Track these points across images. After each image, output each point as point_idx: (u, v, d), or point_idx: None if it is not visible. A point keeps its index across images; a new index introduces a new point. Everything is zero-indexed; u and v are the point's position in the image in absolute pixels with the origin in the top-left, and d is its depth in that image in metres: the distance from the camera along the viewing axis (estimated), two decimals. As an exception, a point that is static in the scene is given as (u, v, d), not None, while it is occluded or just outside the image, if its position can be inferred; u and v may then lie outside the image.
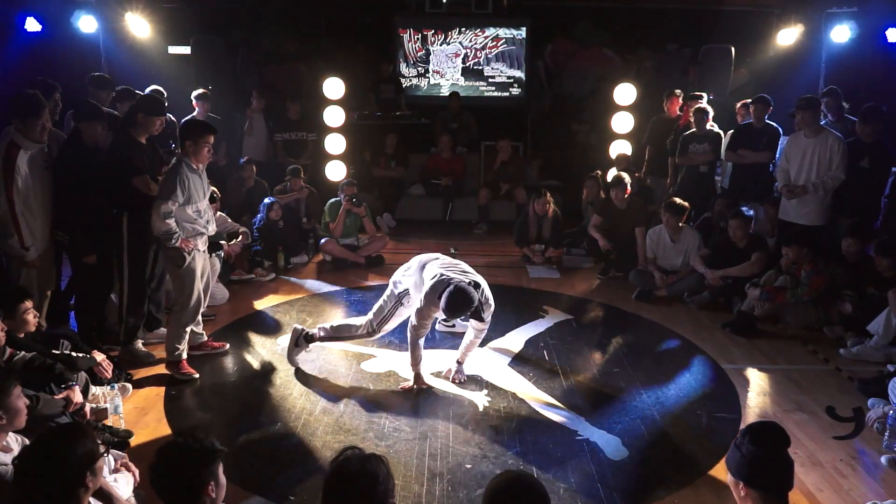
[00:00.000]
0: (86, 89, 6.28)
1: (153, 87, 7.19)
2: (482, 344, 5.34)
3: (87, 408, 3.80)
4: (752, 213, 6.55)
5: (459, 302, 4.27)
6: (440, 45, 10.49)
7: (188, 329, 4.78)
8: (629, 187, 7.16)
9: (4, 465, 2.68)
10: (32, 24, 8.22)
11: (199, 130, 4.67)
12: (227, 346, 5.19)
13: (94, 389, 4.09)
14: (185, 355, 4.75)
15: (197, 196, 4.63)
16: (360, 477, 2.06)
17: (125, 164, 4.77)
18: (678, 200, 6.64)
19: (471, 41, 10.45)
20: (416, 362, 4.58)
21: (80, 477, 2.34)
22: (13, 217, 4.51)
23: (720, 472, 3.69)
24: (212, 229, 4.85)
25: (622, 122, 8.92)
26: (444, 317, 4.68)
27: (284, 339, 5.40)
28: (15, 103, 4.61)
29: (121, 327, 4.99)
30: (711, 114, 7.42)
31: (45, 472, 2.29)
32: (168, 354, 4.73)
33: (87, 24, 8.36)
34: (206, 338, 5.13)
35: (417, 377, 4.61)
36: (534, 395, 4.55)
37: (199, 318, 5.04)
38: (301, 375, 4.80)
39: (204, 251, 4.82)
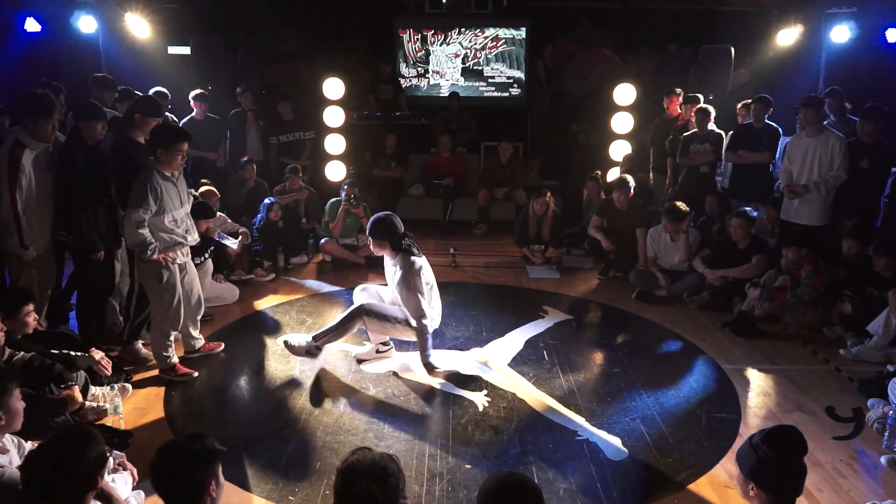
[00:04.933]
0: (86, 89, 6.28)
1: (157, 88, 7.19)
2: (483, 344, 5.36)
3: (87, 407, 3.80)
4: (755, 213, 6.54)
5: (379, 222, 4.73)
6: (440, 46, 10.49)
7: (172, 336, 4.73)
8: (632, 190, 7.16)
9: (1, 468, 2.68)
10: (32, 25, 8.23)
11: (172, 138, 4.51)
12: (222, 345, 5.18)
13: (93, 389, 4.09)
14: (176, 359, 4.72)
15: (172, 205, 4.50)
16: (373, 468, 2.10)
17: (128, 165, 4.76)
18: (679, 206, 6.61)
19: (471, 41, 10.45)
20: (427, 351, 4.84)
21: (91, 482, 2.34)
22: (15, 216, 4.51)
23: (720, 472, 3.70)
24: (192, 239, 4.73)
25: (622, 123, 8.92)
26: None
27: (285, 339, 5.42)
28: (26, 102, 4.60)
29: (126, 325, 4.98)
30: (713, 114, 7.42)
31: (57, 477, 2.28)
32: (159, 364, 4.70)
33: (86, 24, 8.36)
34: (203, 341, 5.12)
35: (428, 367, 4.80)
36: (534, 395, 4.55)
37: (198, 324, 5.03)
38: (301, 375, 4.80)
39: (186, 261, 4.73)
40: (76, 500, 2.32)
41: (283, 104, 8.70)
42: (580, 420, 4.23)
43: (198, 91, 8.06)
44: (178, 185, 4.59)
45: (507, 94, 10.61)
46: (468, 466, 3.72)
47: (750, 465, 2.35)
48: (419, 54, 10.53)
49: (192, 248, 4.83)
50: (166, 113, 7.19)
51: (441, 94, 10.45)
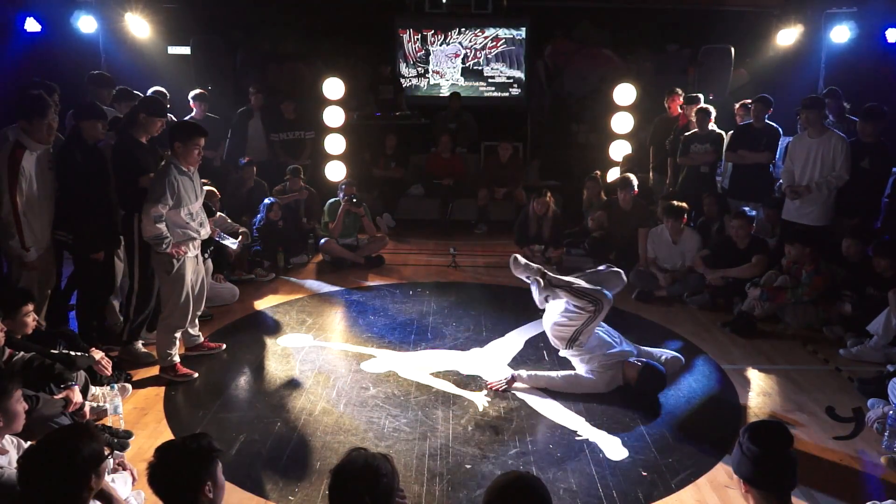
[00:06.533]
0: (86, 89, 6.28)
1: (156, 88, 7.18)
2: (483, 344, 5.36)
3: (87, 408, 3.80)
4: (754, 213, 6.54)
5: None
6: (440, 46, 10.48)
7: (178, 334, 4.76)
8: (635, 188, 7.16)
9: (0, 468, 2.68)
10: (32, 25, 8.22)
11: (190, 132, 4.60)
12: (224, 346, 5.19)
13: (93, 389, 4.09)
14: (177, 358, 4.73)
15: (188, 198, 4.57)
16: (363, 471, 2.11)
17: (131, 165, 4.76)
18: (676, 203, 6.64)
19: (470, 41, 10.45)
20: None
21: (85, 478, 2.34)
22: (15, 218, 4.51)
23: (720, 472, 3.70)
24: (205, 232, 4.80)
25: (622, 123, 8.93)
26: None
27: (284, 339, 5.42)
28: (20, 103, 4.60)
29: (126, 325, 4.98)
30: (714, 114, 7.43)
31: (50, 473, 2.28)
32: (161, 360, 4.71)
33: (86, 24, 8.36)
34: (202, 339, 5.12)
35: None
36: (534, 395, 4.55)
37: (196, 320, 5.04)
38: (301, 375, 4.80)
39: (196, 255, 4.77)
40: (74, 497, 2.32)
41: (286, 103, 8.76)
42: (580, 420, 4.23)
43: (197, 91, 8.06)
44: (194, 180, 4.66)
45: (507, 94, 10.61)
46: (468, 466, 3.71)
47: (737, 464, 2.34)
48: (419, 54, 10.53)
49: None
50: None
51: (441, 94, 10.45)
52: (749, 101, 7.59)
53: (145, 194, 4.56)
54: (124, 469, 3.27)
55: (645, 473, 3.68)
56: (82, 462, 2.32)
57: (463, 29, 10.37)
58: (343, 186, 7.51)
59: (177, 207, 4.51)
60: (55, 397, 3.52)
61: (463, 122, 9.86)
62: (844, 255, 5.78)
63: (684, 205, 6.66)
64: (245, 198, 7.87)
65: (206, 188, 6.56)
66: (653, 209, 7.51)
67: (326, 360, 5.03)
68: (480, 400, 4.46)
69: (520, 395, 4.54)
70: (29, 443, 3.01)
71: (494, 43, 10.44)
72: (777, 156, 7.22)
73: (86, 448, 2.34)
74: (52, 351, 3.92)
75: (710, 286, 6.31)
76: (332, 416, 4.23)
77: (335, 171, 8.95)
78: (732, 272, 6.19)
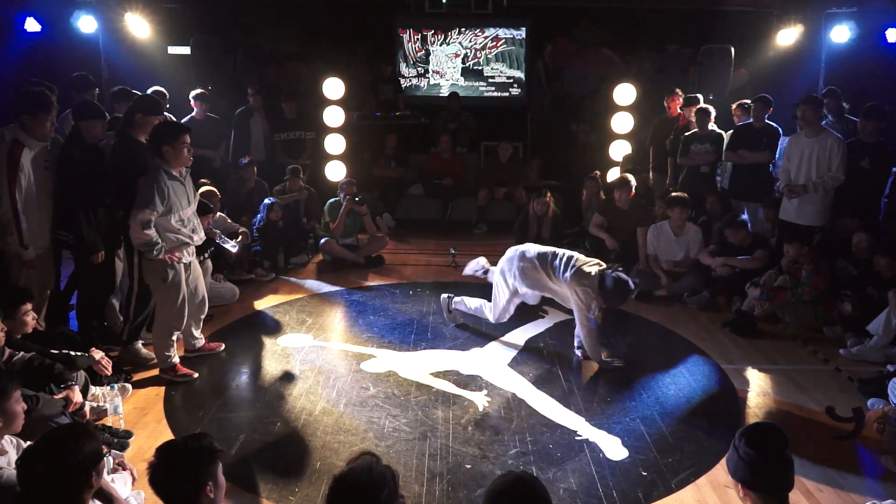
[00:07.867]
0: (68, 94, 6.23)
1: (155, 87, 7.19)
2: (483, 344, 5.36)
3: (87, 408, 3.80)
4: (746, 217, 6.64)
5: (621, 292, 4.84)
6: (440, 46, 10.48)
7: (175, 335, 4.73)
8: (633, 189, 7.16)
9: (0, 468, 2.68)
10: (32, 25, 8.23)
11: (175, 132, 4.50)
12: (223, 346, 5.18)
13: (93, 389, 4.09)
14: (177, 359, 4.72)
15: (179, 204, 4.48)
16: (363, 487, 2.06)
17: (130, 165, 4.76)
18: (680, 193, 6.69)
19: (471, 41, 10.45)
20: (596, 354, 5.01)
21: (86, 477, 2.34)
22: (14, 216, 4.51)
23: (720, 472, 3.69)
24: (198, 239, 4.71)
25: (622, 123, 8.93)
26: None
27: (284, 339, 5.42)
28: (23, 100, 4.59)
29: (126, 325, 4.98)
30: (714, 114, 7.43)
31: (50, 473, 2.28)
32: (160, 363, 4.69)
33: (86, 24, 8.36)
34: (203, 341, 5.11)
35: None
36: (534, 395, 4.55)
37: (200, 321, 5.02)
38: (301, 375, 4.80)
39: (192, 260, 4.72)
40: (73, 497, 2.32)
41: (288, 103, 8.74)
42: (580, 420, 4.23)
43: (198, 91, 8.06)
44: (186, 184, 4.58)
45: (507, 94, 10.61)
46: (468, 466, 3.72)
47: (733, 466, 2.34)
48: (419, 54, 10.52)
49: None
50: (165, 113, 7.21)
51: (441, 94, 10.44)
52: (746, 101, 7.60)
53: None
54: (124, 469, 3.27)
55: (645, 473, 3.68)
56: (82, 461, 2.32)
57: (463, 29, 10.37)
58: (343, 186, 7.50)
59: (167, 214, 4.40)
60: (55, 397, 3.52)
61: (463, 122, 9.85)
62: (853, 250, 5.75)
63: (687, 196, 6.70)
64: (245, 198, 7.87)
65: (205, 188, 6.62)
66: (649, 209, 7.50)
67: (326, 360, 5.03)
68: (480, 400, 4.46)
69: (520, 395, 4.54)
70: (28, 443, 3.01)
71: (494, 43, 10.44)
72: (777, 155, 7.21)
73: (85, 447, 2.34)
74: (52, 351, 3.92)
75: (709, 286, 6.31)
76: (332, 416, 4.23)
77: (335, 171, 8.94)
78: (736, 262, 6.24)
